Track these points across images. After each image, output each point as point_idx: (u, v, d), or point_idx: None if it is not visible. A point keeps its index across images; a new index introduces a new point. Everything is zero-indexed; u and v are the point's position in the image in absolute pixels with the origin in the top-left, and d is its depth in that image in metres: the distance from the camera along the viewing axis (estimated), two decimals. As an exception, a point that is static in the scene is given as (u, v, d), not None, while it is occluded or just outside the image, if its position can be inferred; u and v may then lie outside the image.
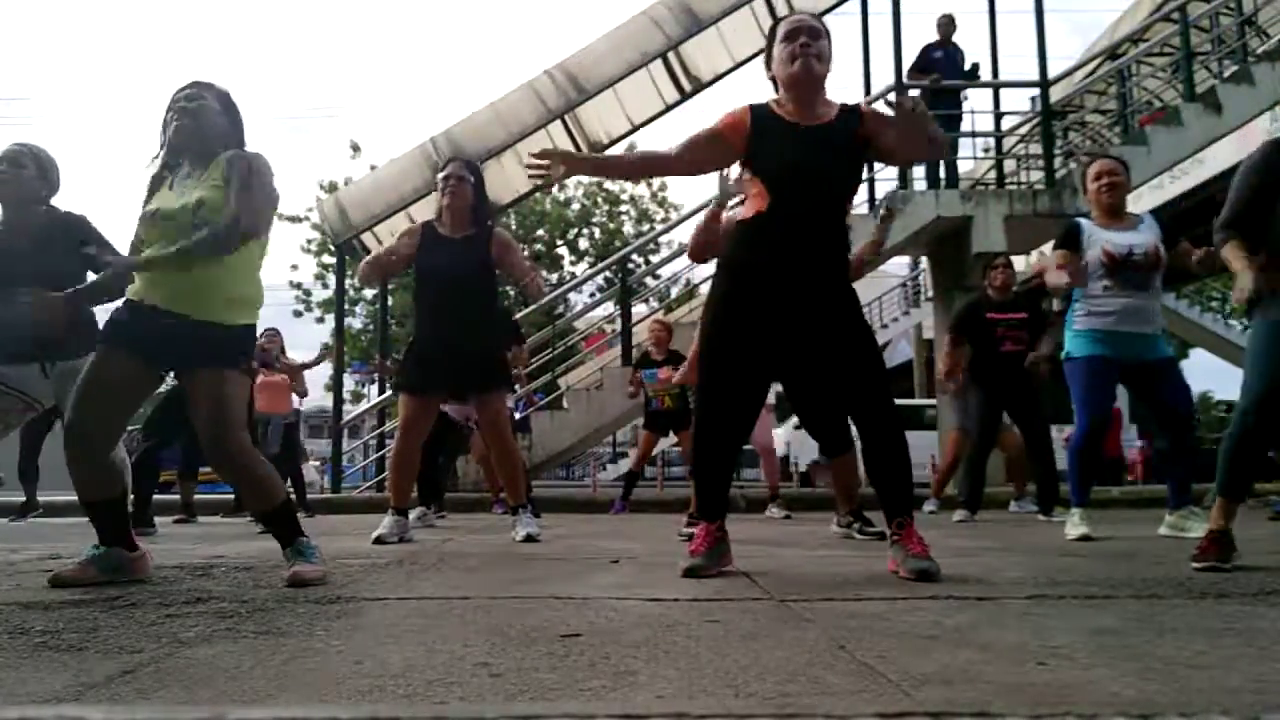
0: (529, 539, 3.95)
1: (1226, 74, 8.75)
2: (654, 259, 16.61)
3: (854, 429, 2.99)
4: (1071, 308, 4.03)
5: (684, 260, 11.48)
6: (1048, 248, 8.55)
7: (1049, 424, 5.59)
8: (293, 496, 6.73)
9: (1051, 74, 9.07)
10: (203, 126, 2.71)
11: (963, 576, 2.53)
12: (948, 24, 9.20)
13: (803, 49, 2.68)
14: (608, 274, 14.53)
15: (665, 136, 70.68)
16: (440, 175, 4.23)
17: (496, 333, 4.27)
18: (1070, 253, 3.97)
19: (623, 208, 22.75)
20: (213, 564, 3.15)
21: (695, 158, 2.82)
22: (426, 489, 6.17)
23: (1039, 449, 5.54)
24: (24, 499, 7.03)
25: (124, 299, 2.72)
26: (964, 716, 1.09)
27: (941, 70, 8.91)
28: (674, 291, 15.55)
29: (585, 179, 21.91)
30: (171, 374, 2.78)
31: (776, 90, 2.82)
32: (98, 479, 2.65)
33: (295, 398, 7.72)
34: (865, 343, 2.74)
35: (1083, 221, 4.04)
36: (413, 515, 5.09)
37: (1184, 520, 3.89)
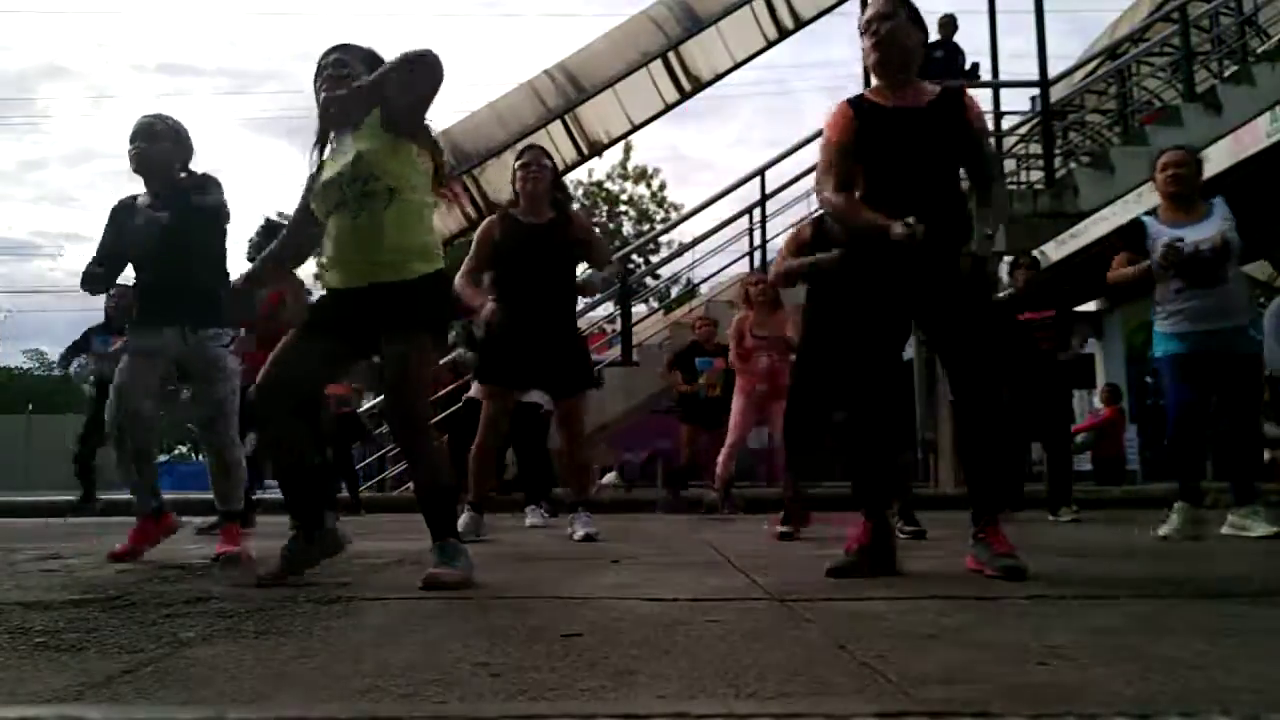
0: (588, 539, 3.91)
1: (1226, 74, 8.74)
2: (654, 259, 16.61)
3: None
4: (1153, 310, 3.98)
5: (684, 260, 11.50)
6: (1048, 247, 8.56)
7: (1070, 424, 5.55)
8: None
9: (1051, 74, 9.06)
10: (352, 98, 2.56)
11: (963, 576, 2.53)
12: (948, 24, 9.19)
13: (873, 37, 2.67)
14: (608, 274, 14.51)
15: (664, 136, 70.09)
16: (518, 162, 4.18)
17: (577, 323, 4.23)
18: (1131, 254, 3.91)
19: (622, 208, 22.76)
20: (213, 564, 3.15)
21: (852, 178, 2.76)
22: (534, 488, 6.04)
23: (1057, 449, 5.50)
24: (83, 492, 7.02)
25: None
26: (964, 716, 1.09)
27: (941, 70, 8.90)
28: (674, 291, 15.55)
29: (584, 178, 21.91)
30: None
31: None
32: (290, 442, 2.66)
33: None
34: (975, 320, 2.63)
35: (1147, 220, 3.96)
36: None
37: (1246, 519, 3.73)
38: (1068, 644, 1.56)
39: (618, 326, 10.38)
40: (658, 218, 22.25)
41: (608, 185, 22.37)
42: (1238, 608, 2.00)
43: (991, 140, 2.81)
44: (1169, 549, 3.34)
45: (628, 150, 21.91)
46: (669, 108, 10.31)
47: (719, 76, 10.23)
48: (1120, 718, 1.09)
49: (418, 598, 2.22)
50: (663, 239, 18.21)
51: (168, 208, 3.30)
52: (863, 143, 2.70)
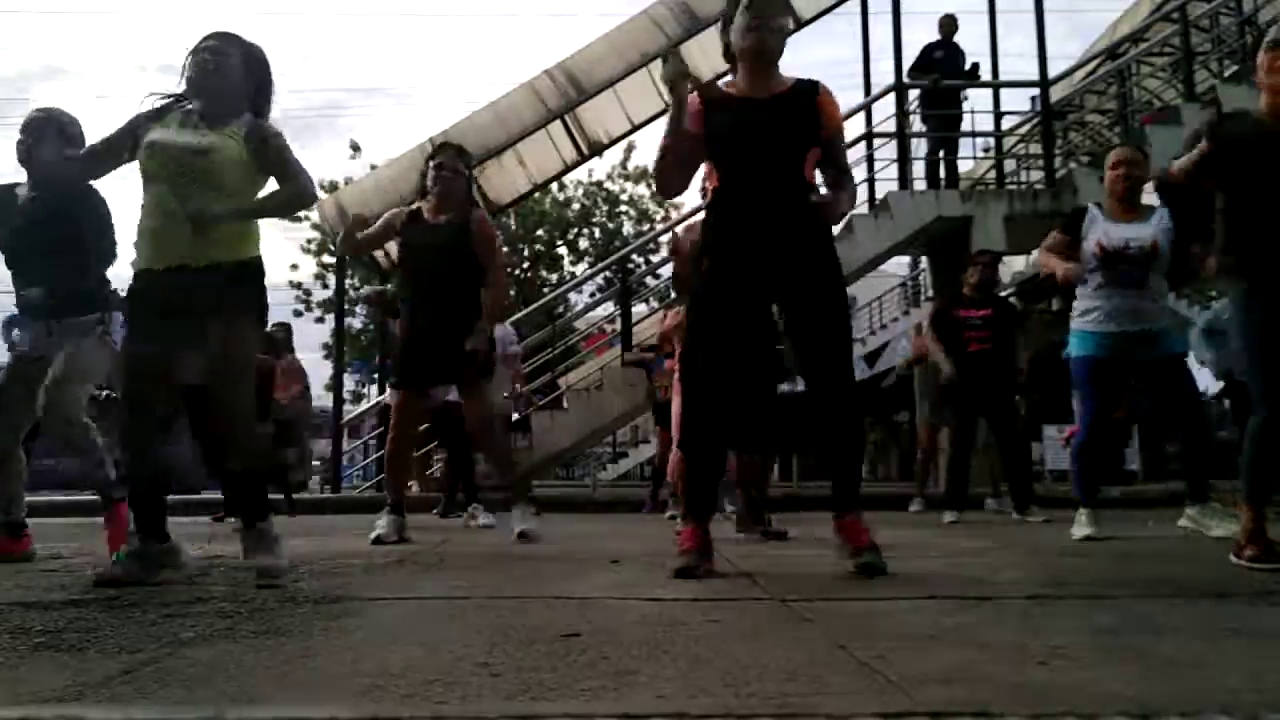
0: (522, 536, 3.91)
1: (1226, 74, 8.75)
2: (654, 259, 16.60)
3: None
4: (1074, 305, 3.99)
5: (684, 260, 11.49)
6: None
7: (1021, 422, 5.53)
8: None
9: (1051, 74, 9.07)
10: (223, 84, 2.64)
11: (962, 576, 2.53)
12: (949, 24, 9.19)
13: (757, 23, 2.67)
14: (608, 274, 14.53)
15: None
16: (433, 163, 4.17)
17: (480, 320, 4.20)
18: (1065, 235, 3.93)
19: (622, 208, 22.76)
20: (213, 564, 3.15)
21: (679, 150, 2.79)
22: (470, 488, 6.04)
23: (1011, 449, 5.49)
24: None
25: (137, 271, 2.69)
26: (964, 716, 1.09)
27: (941, 70, 8.91)
28: (674, 291, 15.54)
29: (584, 179, 21.90)
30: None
31: (726, 57, 2.81)
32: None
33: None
34: (831, 313, 2.67)
35: (1092, 207, 3.97)
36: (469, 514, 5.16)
37: (1204, 516, 3.72)
38: (1068, 644, 1.56)
39: (618, 326, 10.37)
40: (658, 218, 22.23)
41: (608, 185, 22.35)
42: (1238, 608, 2.00)
43: (844, 142, 2.82)
44: (1169, 549, 3.34)
45: (628, 150, 21.92)
46: (669, 107, 10.30)
47: (719, 76, 10.21)
48: (1120, 718, 1.09)
49: (418, 598, 2.23)
50: (663, 239, 18.20)
51: (36, 208, 3.33)
52: (710, 131, 2.73)
